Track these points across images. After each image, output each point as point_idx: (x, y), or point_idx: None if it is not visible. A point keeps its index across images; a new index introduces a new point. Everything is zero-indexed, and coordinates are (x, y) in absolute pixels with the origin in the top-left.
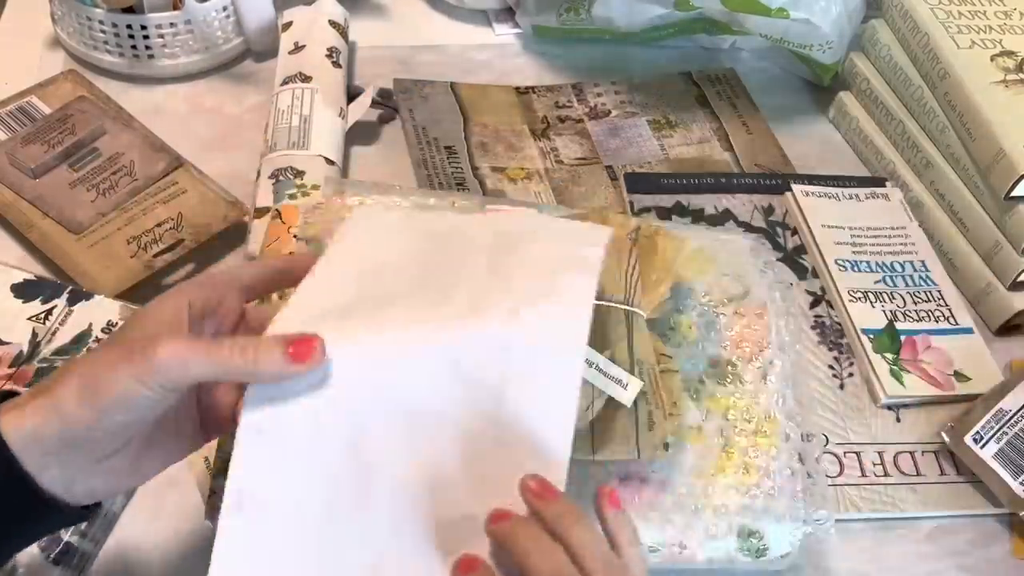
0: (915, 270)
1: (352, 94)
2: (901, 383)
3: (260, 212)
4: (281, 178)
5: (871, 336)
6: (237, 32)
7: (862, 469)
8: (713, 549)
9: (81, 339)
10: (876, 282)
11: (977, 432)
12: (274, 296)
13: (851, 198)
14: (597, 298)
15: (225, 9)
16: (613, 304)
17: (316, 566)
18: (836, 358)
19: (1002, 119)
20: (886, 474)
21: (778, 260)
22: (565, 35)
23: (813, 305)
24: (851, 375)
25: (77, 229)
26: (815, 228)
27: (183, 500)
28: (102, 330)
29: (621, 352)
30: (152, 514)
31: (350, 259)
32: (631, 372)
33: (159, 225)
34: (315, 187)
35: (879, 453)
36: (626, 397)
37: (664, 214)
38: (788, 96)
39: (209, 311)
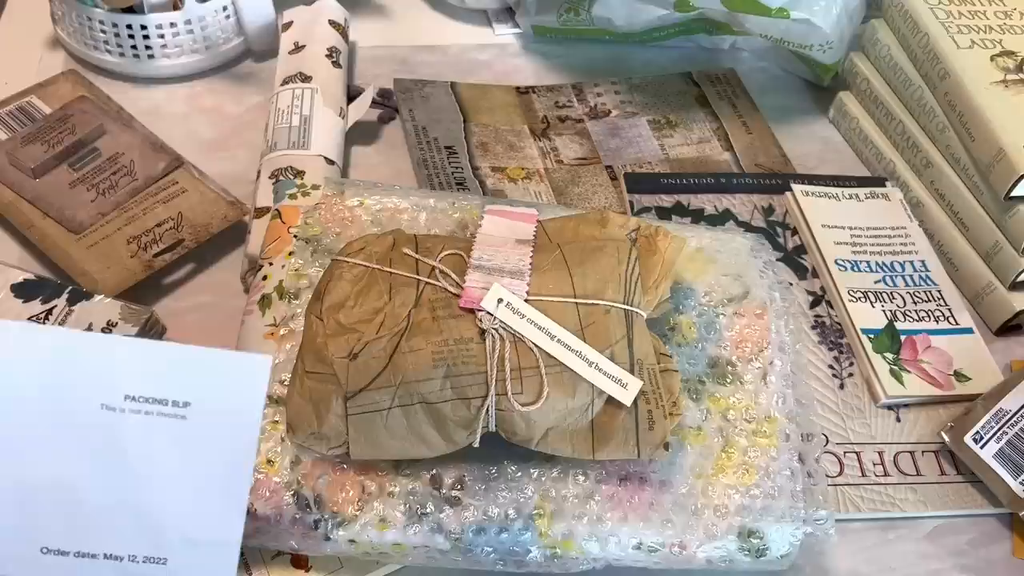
0: (915, 270)
1: (352, 94)
2: (901, 383)
3: (260, 212)
4: (281, 178)
5: (871, 336)
6: (237, 32)
7: (862, 469)
8: (713, 549)
9: None
10: (876, 282)
11: (977, 432)
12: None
13: (851, 198)
14: (597, 299)
15: (225, 9)
16: (613, 304)
17: None
18: (836, 358)
19: (1002, 119)
20: (886, 474)
21: (778, 260)
22: (565, 35)
23: (813, 305)
24: (851, 375)
25: (77, 229)
26: (815, 228)
27: None
28: (102, 330)
29: (621, 352)
30: None
31: None
32: (631, 372)
33: (159, 225)
34: (315, 187)
35: (879, 453)
36: (626, 397)
37: (664, 214)
38: (788, 96)
39: None
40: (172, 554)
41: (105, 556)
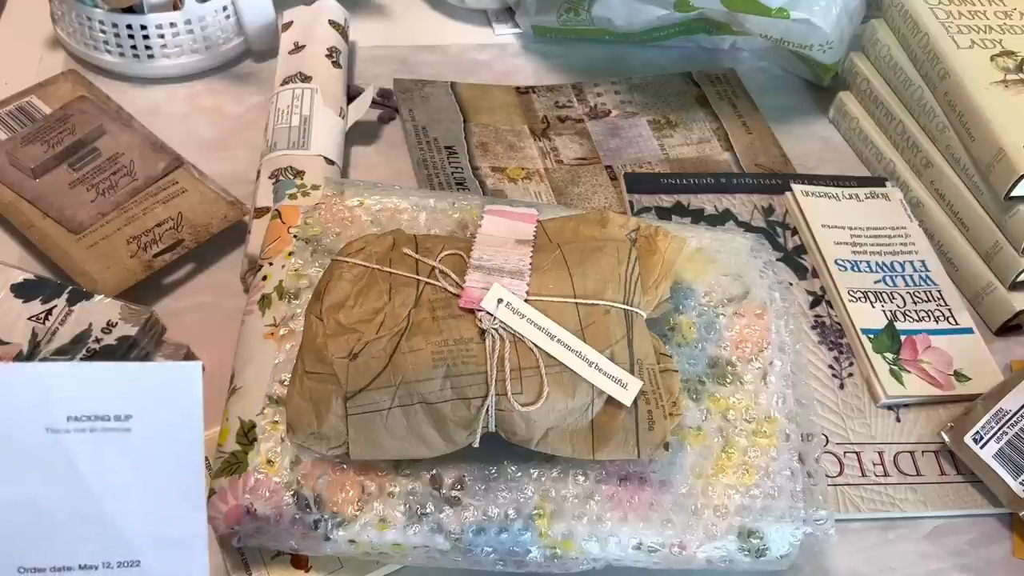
0: (915, 270)
1: (352, 94)
2: (901, 383)
3: (260, 212)
4: (281, 178)
5: (871, 336)
6: (237, 32)
7: (862, 469)
8: (713, 549)
9: (81, 339)
10: (876, 282)
11: (977, 432)
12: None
13: (851, 198)
14: (597, 299)
15: (225, 9)
16: (613, 304)
17: None
18: (836, 358)
19: (1002, 119)
20: (886, 474)
21: (778, 260)
22: (565, 35)
23: (813, 305)
24: (851, 375)
25: (77, 229)
26: (815, 228)
27: None
28: (102, 330)
29: (621, 352)
30: None
31: None
32: (631, 372)
33: (159, 225)
34: (315, 187)
35: (879, 453)
36: (626, 397)
37: (664, 214)
38: (788, 96)
39: None
40: (144, 555)
41: (80, 567)
